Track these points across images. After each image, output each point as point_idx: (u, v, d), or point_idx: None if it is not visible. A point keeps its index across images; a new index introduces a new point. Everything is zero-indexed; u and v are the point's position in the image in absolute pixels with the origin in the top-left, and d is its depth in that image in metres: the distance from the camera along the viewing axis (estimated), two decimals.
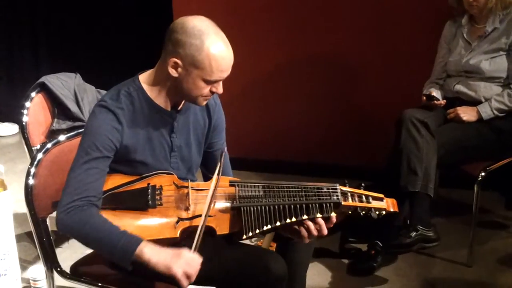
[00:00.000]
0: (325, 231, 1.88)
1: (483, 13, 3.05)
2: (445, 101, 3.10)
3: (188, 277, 1.76)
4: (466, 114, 3.03)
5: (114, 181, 1.92)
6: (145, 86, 1.93)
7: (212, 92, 1.89)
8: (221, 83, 1.89)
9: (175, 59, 1.83)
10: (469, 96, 3.08)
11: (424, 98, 3.12)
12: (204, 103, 1.95)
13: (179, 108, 1.99)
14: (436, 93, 3.14)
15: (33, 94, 2.95)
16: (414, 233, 2.88)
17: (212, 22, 1.86)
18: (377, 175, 3.14)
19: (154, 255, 1.77)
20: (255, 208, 1.88)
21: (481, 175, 2.86)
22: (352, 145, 4.01)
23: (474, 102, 3.06)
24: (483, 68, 3.03)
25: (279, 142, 4.17)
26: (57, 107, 3.01)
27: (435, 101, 3.06)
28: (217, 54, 1.81)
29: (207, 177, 2.15)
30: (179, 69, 1.84)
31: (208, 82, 1.85)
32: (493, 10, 3.01)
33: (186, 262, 1.76)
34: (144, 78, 1.95)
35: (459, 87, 3.11)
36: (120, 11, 4.69)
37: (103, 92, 3.22)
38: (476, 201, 2.89)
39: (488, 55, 3.04)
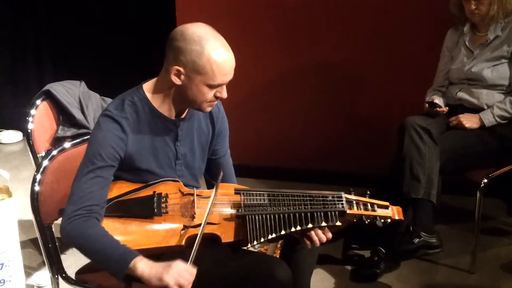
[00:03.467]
0: (324, 239, 1.92)
1: (485, 21, 3.06)
2: (447, 108, 3.11)
3: (180, 287, 1.76)
4: (469, 121, 3.04)
5: (120, 188, 1.93)
6: (149, 95, 1.95)
7: (216, 97, 1.91)
8: (225, 87, 1.90)
9: (177, 67, 1.85)
10: (471, 103, 3.09)
11: (427, 105, 3.13)
12: (209, 109, 1.96)
13: (183, 116, 2.00)
14: (438, 100, 3.15)
15: (38, 101, 2.98)
16: (417, 239, 2.89)
17: (210, 28, 1.88)
18: (380, 182, 3.15)
19: (146, 269, 1.78)
20: (260, 217, 1.90)
21: (484, 182, 2.87)
22: (355, 152, 4.02)
23: (476, 109, 3.07)
24: (485, 76, 3.04)
25: (282, 149, 4.18)
26: (62, 114, 3.03)
27: (438, 108, 3.07)
28: (218, 58, 1.83)
29: (210, 184, 2.17)
30: (182, 77, 1.86)
31: (211, 87, 1.87)
32: (495, 18, 3.02)
33: (178, 273, 1.76)
34: (148, 87, 1.97)
35: (462, 95, 3.12)
36: (124, 18, 4.71)
37: (108, 99, 3.24)
38: (479, 207, 2.90)
39: (490, 63, 3.05)
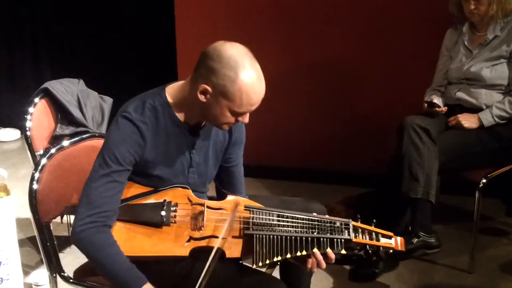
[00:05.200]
0: (324, 265, 1.90)
1: (484, 20, 3.06)
2: (446, 108, 3.11)
3: None
4: (467, 121, 3.04)
5: (130, 191, 1.91)
6: (170, 101, 1.90)
7: (237, 121, 1.87)
8: (248, 113, 1.87)
9: (206, 86, 1.79)
10: (470, 103, 3.09)
11: (426, 105, 3.13)
12: (227, 128, 1.92)
13: (202, 125, 1.96)
14: (437, 100, 3.15)
15: (36, 99, 2.98)
16: (416, 239, 2.90)
17: (249, 53, 1.83)
18: (379, 181, 3.15)
19: None
20: (268, 237, 1.86)
21: (483, 182, 2.86)
22: (354, 152, 4.01)
23: (475, 109, 3.07)
24: (484, 76, 3.04)
25: (281, 148, 4.17)
26: (60, 112, 3.03)
27: (437, 108, 3.07)
28: (250, 89, 1.79)
29: (219, 190, 2.14)
30: (208, 96, 1.80)
31: (235, 113, 1.83)
32: (494, 18, 3.02)
33: None
34: (170, 92, 1.91)
35: (460, 94, 3.12)
36: (121, 16, 4.70)
37: (106, 97, 3.24)
38: (477, 207, 2.89)
39: (489, 62, 3.05)
